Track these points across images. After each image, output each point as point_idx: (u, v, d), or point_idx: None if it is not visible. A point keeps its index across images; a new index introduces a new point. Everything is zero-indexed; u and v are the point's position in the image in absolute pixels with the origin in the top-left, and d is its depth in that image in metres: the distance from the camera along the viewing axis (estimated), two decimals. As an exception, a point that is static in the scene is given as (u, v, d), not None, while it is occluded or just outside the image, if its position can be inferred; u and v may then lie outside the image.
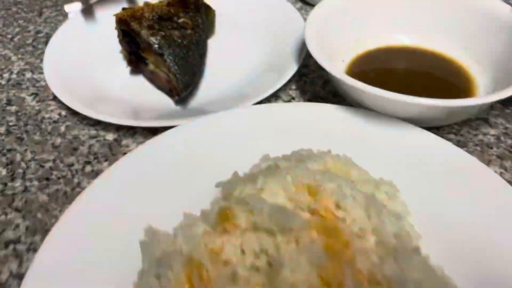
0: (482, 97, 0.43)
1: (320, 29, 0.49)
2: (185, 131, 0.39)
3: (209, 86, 0.50)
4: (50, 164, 0.43)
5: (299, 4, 0.65)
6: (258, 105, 0.43)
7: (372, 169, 0.36)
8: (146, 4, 0.52)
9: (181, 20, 0.49)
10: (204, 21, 0.52)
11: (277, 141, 0.39)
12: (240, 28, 0.58)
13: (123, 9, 0.50)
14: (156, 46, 0.45)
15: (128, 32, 0.48)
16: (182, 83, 0.45)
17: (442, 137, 0.39)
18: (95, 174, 0.42)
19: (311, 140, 0.38)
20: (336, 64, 0.50)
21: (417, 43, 0.53)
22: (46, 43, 0.60)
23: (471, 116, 0.46)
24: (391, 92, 0.39)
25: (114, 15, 0.50)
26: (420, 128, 0.40)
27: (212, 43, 0.56)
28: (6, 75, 0.54)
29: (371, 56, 0.53)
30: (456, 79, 0.49)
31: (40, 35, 0.62)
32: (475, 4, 0.50)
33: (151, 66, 0.48)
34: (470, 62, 0.50)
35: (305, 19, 0.52)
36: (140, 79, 0.51)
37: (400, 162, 0.38)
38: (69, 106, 0.46)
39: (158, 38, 0.45)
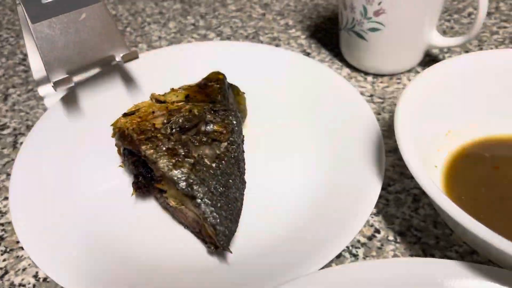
0: None
1: (412, 123, 0.34)
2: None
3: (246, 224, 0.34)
4: None
5: (345, 71, 0.50)
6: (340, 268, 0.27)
7: None
8: (156, 99, 0.37)
9: (211, 128, 0.33)
10: (239, 120, 0.36)
11: None
12: (280, 119, 0.43)
13: (125, 115, 0.35)
14: (184, 185, 0.29)
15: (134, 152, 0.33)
16: (225, 235, 0.29)
17: None
18: None
19: None
20: (431, 175, 0.36)
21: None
22: (13, 146, 0.44)
23: None
24: None
25: (111, 125, 0.34)
26: None
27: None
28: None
29: (472, 157, 0.38)
30: None
31: (4, 132, 0.45)
32: None
33: (172, 202, 0.32)
34: None
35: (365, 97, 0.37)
36: (151, 208, 0.36)
37: None
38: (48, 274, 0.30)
39: (185, 171, 0.29)
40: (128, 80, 0.46)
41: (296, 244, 0.32)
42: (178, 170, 0.29)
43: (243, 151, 0.37)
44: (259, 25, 0.59)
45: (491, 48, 0.52)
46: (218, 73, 0.42)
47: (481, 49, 0.52)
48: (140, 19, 0.61)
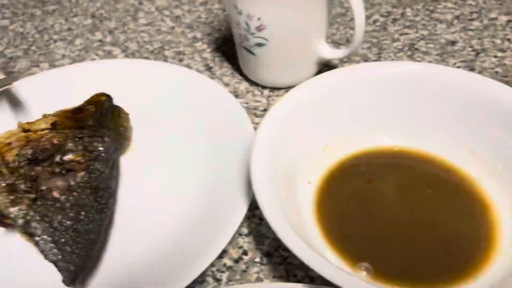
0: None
1: (275, 143, 0.34)
2: None
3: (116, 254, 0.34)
4: None
5: (244, 85, 0.50)
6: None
7: None
8: (22, 127, 0.36)
9: (68, 158, 0.32)
10: (109, 145, 0.36)
11: None
12: (166, 137, 0.43)
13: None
14: (21, 223, 0.28)
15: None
16: (69, 271, 0.28)
17: None
18: None
19: None
20: (303, 192, 0.36)
21: (402, 144, 0.40)
22: None
23: None
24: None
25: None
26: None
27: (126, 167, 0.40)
28: None
29: (347, 171, 0.38)
30: (468, 203, 0.36)
31: None
32: (477, 92, 0.37)
33: (23, 237, 0.31)
34: (480, 173, 0.37)
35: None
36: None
37: None
38: None
39: (23, 208, 0.29)
40: (15, 105, 0.45)
41: (157, 271, 0.32)
42: (16, 208, 0.29)
43: (115, 176, 0.36)
44: (166, 39, 0.58)
45: (390, 56, 0.53)
46: (101, 94, 0.42)
47: (380, 57, 0.53)
48: (47, 36, 0.60)
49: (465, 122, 0.37)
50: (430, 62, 0.51)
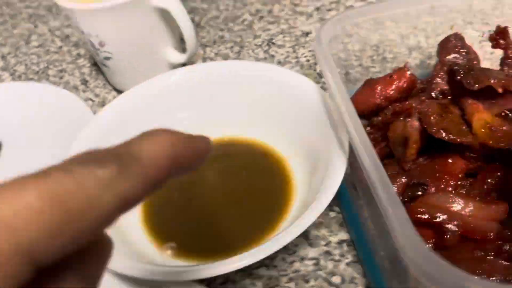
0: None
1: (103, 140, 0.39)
2: None
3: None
4: None
5: (112, 95, 0.55)
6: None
7: None
8: None
9: None
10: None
11: None
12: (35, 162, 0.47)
13: None
14: None
15: None
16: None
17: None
18: None
19: None
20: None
21: (231, 135, 0.44)
22: None
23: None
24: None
25: None
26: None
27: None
28: None
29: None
30: (274, 180, 0.40)
31: None
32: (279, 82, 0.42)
33: None
34: (289, 152, 0.41)
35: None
36: None
37: None
38: None
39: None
40: None
41: None
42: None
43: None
44: (53, 58, 0.63)
45: (248, 53, 0.57)
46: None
47: (239, 55, 0.57)
48: None
49: (276, 110, 0.42)
50: (282, 55, 0.56)
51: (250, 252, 0.29)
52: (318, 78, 0.52)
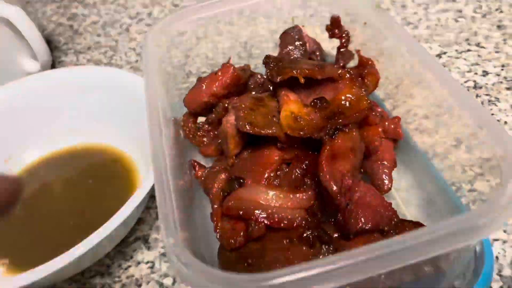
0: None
1: None
2: None
3: None
4: None
5: None
6: None
7: None
8: None
9: None
10: None
11: None
12: None
13: None
14: None
15: None
16: None
17: None
18: None
19: None
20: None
21: (86, 142, 0.43)
22: None
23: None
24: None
25: None
26: None
27: None
28: None
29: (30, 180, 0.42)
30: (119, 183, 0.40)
31: None
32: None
33: None
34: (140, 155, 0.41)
35: None
36: None
37: None
38: None
39: None
40: None
41: None
42: None
43: None
44: None
45: (120, 56, 0.56)
46: None
47: (111, 59, 0.56)
48: None
49: (120, 113, 0.42)
50: (154, 56, 0.56)
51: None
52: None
